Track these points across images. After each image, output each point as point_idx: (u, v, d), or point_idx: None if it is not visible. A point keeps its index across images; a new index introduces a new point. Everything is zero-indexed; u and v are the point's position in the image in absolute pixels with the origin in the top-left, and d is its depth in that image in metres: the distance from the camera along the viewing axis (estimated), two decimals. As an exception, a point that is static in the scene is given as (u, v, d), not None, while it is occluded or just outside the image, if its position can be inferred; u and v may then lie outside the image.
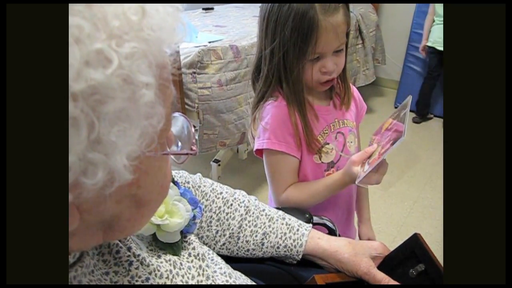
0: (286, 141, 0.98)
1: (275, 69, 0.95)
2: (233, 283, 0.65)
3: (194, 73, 2.02)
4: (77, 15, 0.29)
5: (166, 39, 0.36)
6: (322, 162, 1.03)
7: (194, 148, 0.46)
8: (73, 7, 0.29)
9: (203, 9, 3.31)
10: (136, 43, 0.32)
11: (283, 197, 1.03)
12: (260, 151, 1.03)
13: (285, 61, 0.93)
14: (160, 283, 0.54)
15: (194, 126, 2.12)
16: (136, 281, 0.51)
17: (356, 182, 0.91)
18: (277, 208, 0.87)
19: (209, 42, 2.21)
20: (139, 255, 0.54)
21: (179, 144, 0.48)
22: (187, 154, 0.46)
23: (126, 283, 0.50)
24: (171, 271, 0.57)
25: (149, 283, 0.52)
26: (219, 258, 0.70)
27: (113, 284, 0.49)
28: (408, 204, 2.47)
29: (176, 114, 0.47)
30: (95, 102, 0.30)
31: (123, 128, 0.32)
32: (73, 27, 0.29)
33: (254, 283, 0.73)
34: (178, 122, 0.49)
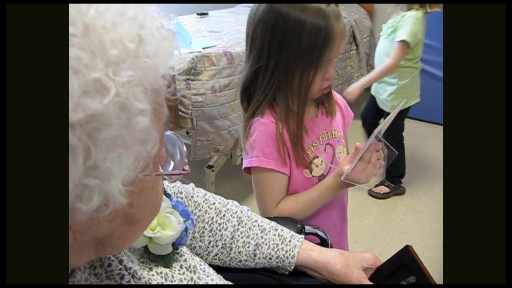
0: (274, 158, 0.98)
1: (278, 78, 0.93)
2: None
3: (188, 79, 2.02)
4: (75, 46, 0.30)
5: (162, 64, 0.36)
6: (313, 176, 1.03)
7: (186, 168, 0.46)
8: (71, 39, 0.29)
9: (198, 14, 3.32)
10: (133, 71, 0.33)
11: (276, 212, 1.01)
12: (248, 169, 1.02)
13: (294, 72, 0.92)
14: None
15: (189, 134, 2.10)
16: None
17: (342, 178, 0.93)
18: (269, 219, 0.88)
19: (203, 48, 2.21)
20: (130, 268, 0.54)
21: (171, 163, 0.48)
22: (179, 174, 0.46)
23: None
24: (162, 283, 0.57)
25: None
26: (211, 269, 0.70)
27: None
28: (401, 210, 2.47)
29: (169, 133, 0.48)
30: (91, 129, 0.30)
31: (118, 154, 0.33)
32: (72, 59, 0.29)
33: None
34: (171, 141, 0.49)
